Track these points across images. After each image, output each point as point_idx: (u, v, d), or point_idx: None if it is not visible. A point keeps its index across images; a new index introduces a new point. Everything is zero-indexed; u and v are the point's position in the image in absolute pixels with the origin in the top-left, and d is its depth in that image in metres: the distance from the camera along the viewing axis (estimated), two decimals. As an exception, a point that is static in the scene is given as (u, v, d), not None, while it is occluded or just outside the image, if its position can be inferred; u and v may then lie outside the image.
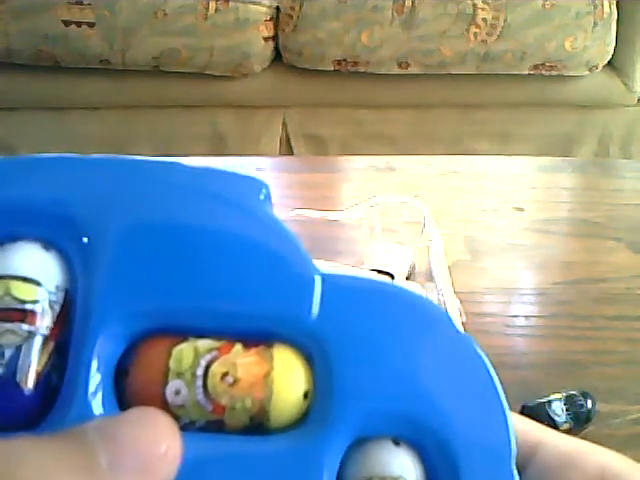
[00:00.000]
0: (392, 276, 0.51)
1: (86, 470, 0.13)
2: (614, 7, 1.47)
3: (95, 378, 0.16)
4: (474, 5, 1.42)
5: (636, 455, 0.40)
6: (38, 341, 0.15)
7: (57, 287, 0.16)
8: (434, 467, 0.16)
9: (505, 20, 1.43)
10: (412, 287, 0.50)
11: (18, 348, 0.15)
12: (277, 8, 1.45)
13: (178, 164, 0.17)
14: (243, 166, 0.71)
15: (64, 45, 1.42)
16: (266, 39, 1.44)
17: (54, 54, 1.44)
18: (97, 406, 0.15)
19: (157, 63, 1.44)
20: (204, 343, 0.16)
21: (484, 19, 1.43)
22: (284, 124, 1.54)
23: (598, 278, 0.55)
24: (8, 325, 0.15)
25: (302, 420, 0.16)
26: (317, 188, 0.68)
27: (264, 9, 1.42)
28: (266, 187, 0.17)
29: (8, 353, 0.15)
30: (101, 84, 1.49)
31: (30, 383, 0.15)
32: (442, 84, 1.52)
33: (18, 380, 0.15)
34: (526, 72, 1.50)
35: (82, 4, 1.39)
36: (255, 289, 0.16)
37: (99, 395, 0.16)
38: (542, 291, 0.54)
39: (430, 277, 0.44)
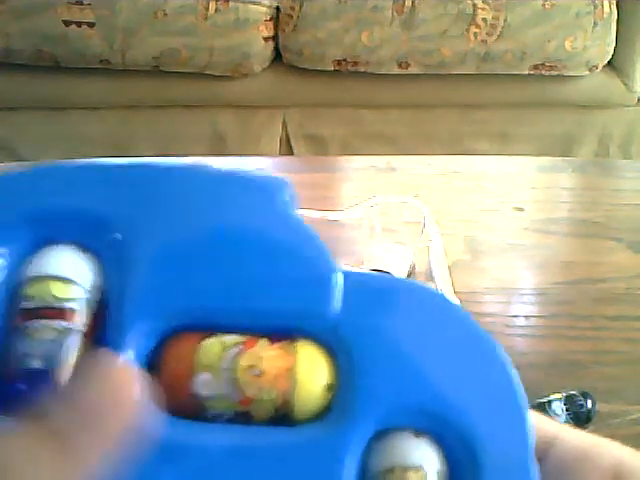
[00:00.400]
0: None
1: (55, 449, 0.14)
2: (614, 7, 1.47)
3: None
4: (474, 5, 1.42)
5: (636, 455, 0.40)
6: (75, 336, 0.16)
7: (92, 286, 0.17)
8: (454, 458, 0.17)
9: (505, 20, 1.43)
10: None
11: (56, 343, 0.16)
12: (277, 8, 1.45)
13: (205, 167, 0.18)
14: (243, 166, 0.71)
15: (64, 45, 1.42)
16: (266, 39, 1.44)
17: (54, 54, 1.43)
18: None
19: (157, 63, 1.45)
20: (230, 338, 0.17)
21: (484, 19, 1.43)
22: (284, 124, 1.54)
23: (598, 278, 0.55)
24: (47, 322, 0.16)
25: (325, 412, 0.17)
26: (317, 188, 0.68)
27: (264, 9, 1.42)
28: (290, 188, 0.18)
29: (47, 348, 0.16)
30: (101, 84, 1.49)
31: (67, 376, 0.16)
32: (442, 84, 1.52)
33: (58, 373, 0.16)
34: (526, 72, 1.50)
35: (82, 4, 1.39)
36: (279, 287, 0.17)
37: None
38: (542, 291, 0.54)
39: (430, 277, 0.44)
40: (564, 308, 0.52)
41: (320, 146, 1.55)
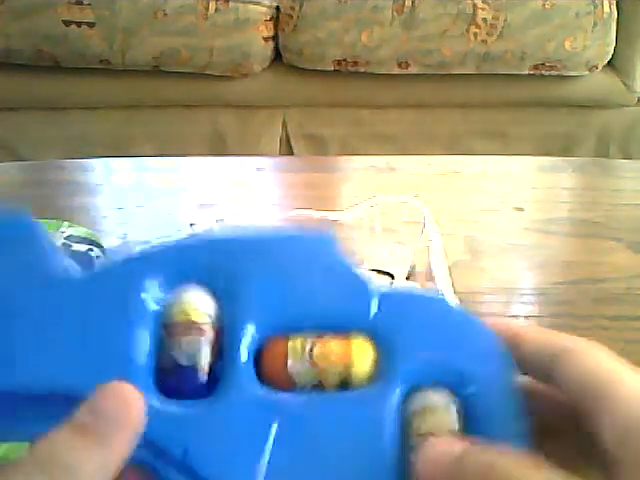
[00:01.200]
0: (392, 276, 0.51)
1: (91, 443, 0.21)
2: (614, 7, 1.47)
3: (242, 365, 0.25)
4: (474, 5, 1.42)
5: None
6: (206, 344, 0.25)
7: (215, 312, 0.26)
8: (465, 405, 0.25)
9: (505, 20, 1.43)
10: (412, 287, 0.50)
11: (195, 348, 0.25)
12: (277, 8, 1.45)
13: (283, 233, 0.28)
14: (243, 166, 0.71)
15: (64, 45, 1.42)
16: (266, 39, 1.44)
17: (54, 54, 1.44)
18: (244, 380, 0.25)
19: (157, 63, 1.45)
20: (306, 336, 0.25)
21: (484, 19, 1.43)
22: (284, 124, 1.54)
23: (598, 278, 0.55)
24: (188, 335, 0.25)
25: (373, 380, 0.25)
26: (317, 188, 0.68)
27: (264, 9, 1.42)
28: (337, 240, 0.27)
29: (190, 352, 0.24)
30: (101, 84, 1.49)
31: (205, 370, 0.24)
32: (442, 84, 1.52)
33: (198, 368, 0.24)
34: (526, 72, 1.50)
35: (82, 4, 1.39)
36: (337, 303, 0.26)
37: (245, 374, 0.25)
38: (542, 291, 0.54)
39: (430, 277, 0.44)
40: (564, 308, 0.52)
41: (320, 146, 1.55)
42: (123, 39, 1.41)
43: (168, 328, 0.25)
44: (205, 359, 0.25)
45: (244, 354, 0.25)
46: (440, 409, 0.24)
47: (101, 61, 1.44)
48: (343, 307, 0.26)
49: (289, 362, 0.25)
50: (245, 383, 0.25)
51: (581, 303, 0.52)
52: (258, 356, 0.25)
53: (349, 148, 1.54)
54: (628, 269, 0.56)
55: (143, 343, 0.25)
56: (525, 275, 0.56)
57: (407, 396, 0.25)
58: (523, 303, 0.52)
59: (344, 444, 0.24)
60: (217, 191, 0.69)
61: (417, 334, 0.26)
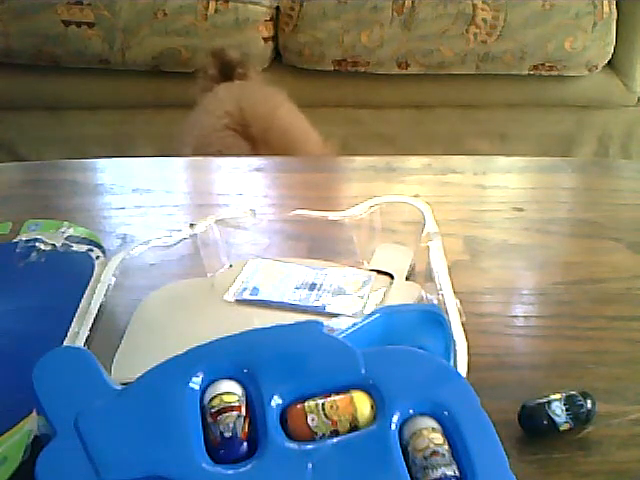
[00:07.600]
0: (392, 276, 0.51)
1: None
2: (614, 7, 1.47)
3: (272, 428, 0.32)
4: (474, 5, 1.42)
5: (636, 455, 0.40)
6: (241, 418, 0.33)
7: (242, 394, 0.34)
8: (446, 427, 0.32)
9: (505, 20, 1.43)
10: (412, 287, 0.50)
11: (235, 422, 0.32)
12: (277, 8, 1.45)
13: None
14: (243, 166, 0.71)
15: (64, 45, 1.42)
16: (266, 39, 1.44)
17: (54, 54, 1.44)
18: (275, 440, 0.32)
19: (157, 63, 1.45)
20: (317, 398, 0.33)
21: (484, 19, 1.43)
22: (284, 124, 1.54)
23: (598, 278, 0.55)
24: (227, 413, 0.32)
25: (373, 421, 0.33)
26: (317, 188, 0.68)
27: (264, 9, 1.42)
28: (323, 325, 0.36)
29: (230, 425, 0.32)
30: (101, 84, 1.49)
31: (244, 437, 0.32)
32: (442, 84, 1.52)
33: (239, 437, 0.32)
34: (526, 72, 1.50)
35: (82, 4, 1.39)
36: (333, 370, 0.34)
37: (275, 435, 0.32)
38: (542, 291, 0.54)
39: (430, 277, 0.44)
40: (564, 308, 0.52)
41: (320, 146, 1.55)
42: (123, 39, 1.41)
43: (210, 411, 0.33)
44: (243, 429, 0.32)
45: (270, 420, 0.32)
46: (429, 429, 0.32)
47: (101, 61, 1.44)
48: (339, 372, 0.34)
49: (309, 419, 0.32)
50: (278, 441, 0.32)
51: (581, 303, 0.52)
52: (282, 420, 0.33)
53: (349, 148, 1.54)
54: (628, 269, 0.56)
55: (195, 424, 0.32)
56: (525, 275, 0.56)
57: (403, 425, 0.32)
58: (523, 303, 0.52)
59: (365, 469, 0.31)
60: (217, 191, 0.69)
61: (398, 378, 0.34)
